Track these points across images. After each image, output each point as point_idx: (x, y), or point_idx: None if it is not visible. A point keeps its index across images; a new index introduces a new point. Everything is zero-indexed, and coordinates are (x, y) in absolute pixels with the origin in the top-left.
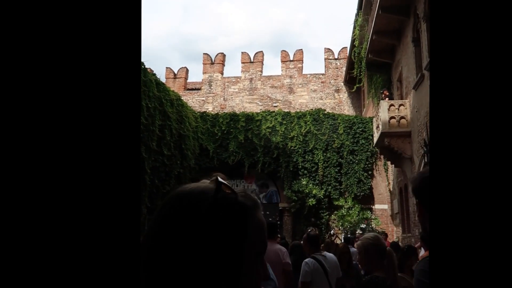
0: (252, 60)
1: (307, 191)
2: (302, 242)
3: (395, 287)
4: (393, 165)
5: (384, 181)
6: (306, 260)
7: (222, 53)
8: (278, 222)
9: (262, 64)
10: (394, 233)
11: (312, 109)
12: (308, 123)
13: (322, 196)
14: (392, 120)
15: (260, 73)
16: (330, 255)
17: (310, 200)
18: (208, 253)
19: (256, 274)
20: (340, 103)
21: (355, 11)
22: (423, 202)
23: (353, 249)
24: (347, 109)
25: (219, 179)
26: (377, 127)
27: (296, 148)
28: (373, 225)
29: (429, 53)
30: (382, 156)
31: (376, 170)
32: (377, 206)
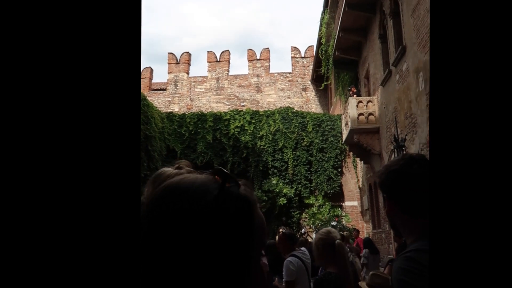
0: (218, 59)
1: (277, 190)
2: (276, 241)
3: (347, 281)
4: (362, 162)
5: (353, 178)
6: (290, 259)
7: (188, 52)
8: None
9: (229, 63)
10: (365, 229)
11: (280, 108)
12: (277, 121)
13: (292, 195)
14: (361, 117)
15: (226, 72)
16: (306, 250)
17: (281, 199)
18: (215, 252)
19: (261, 273)
20: (307, 102)
21: (321, 9)
22: (390, 196)
23: None
24: (315, 107)
25: (224, 170)
26: (346, 124)
27: (265, 147)
28: (344, 222)
29: (395, 49)
30: (351, 153)
31: (346, 167)
32: (347, 203)
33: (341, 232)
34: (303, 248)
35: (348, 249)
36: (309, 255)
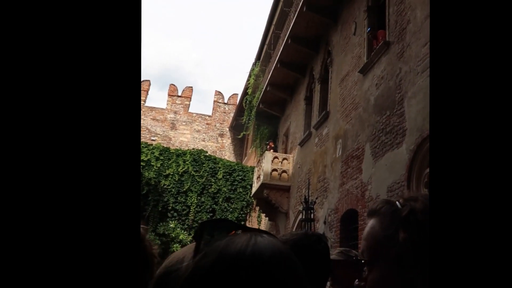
0: None
1: (173, 235)
2: None
3: None
4: (267, 218)
5: None
6: None
7: None
8: None
9: (147, 93)
10: None
11: (193, 149)
12: (187, 162)
13: (189, 242)
14: (274, 173)
15: (142, 102)
16: None
17: (175, 245)
18: None
19: None
20: (222, 148)
21: (253, 61)
22: None
23: None
24: (228, 155)
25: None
26: (258, 177)
27: (169, 187)
28: None
29: (319, 113)
30: (257, 208)
31: (249, 221)
32: None
33: None
34: None
35: None
36: None
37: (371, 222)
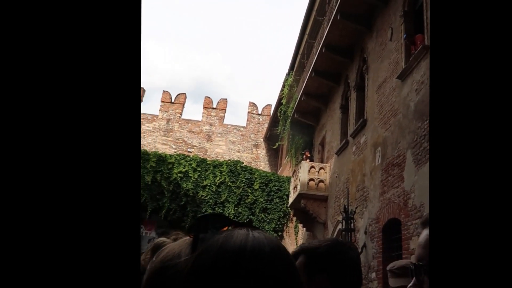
0: (173, 101)
1: None
2: None
3: None
4: (305, 229)
5: (293, 244)
6: None
7: (142, 87)
8: None
9: (183, 106)
10: None
11: (229, 160)
12: (223, 173)
13: None
14: (311, 182)
15: (179, 115)
16: None
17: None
18: None
19: None
20: (257, 159)
21: (287, 71)
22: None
23: None
24: (263, 166)
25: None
26: (295, 187)
27: (207, 198)
28: None
29: (356, 121)
30: (294, 218)
31: (286, 232)
32: None
33: None
34: None
35: None
36: None
37: (426, 231)
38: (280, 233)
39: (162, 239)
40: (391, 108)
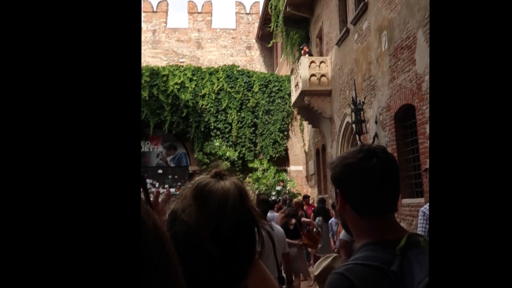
0: (155, 10)
1: (220, 153)
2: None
3: None
4: (310, 125)
5: (299, 142)
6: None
7: None
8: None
9: (167, 15)
10: (310, 194)
11: (225, 65)
12: (221, 80)
13: (236, 158)
14: (313, 78)
15: (164, 24)
16: (277, 227)
17: (224, 163)
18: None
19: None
20: (251, 61)
21: None
22: (344, 192)
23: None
24: (259, 67)
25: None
26: (296, 85)
27: (208, 106)
28: (289, 187)
29: (355, 6)
30: (298, 116)
31: (292, 131)
32: (292, 168)
33: (293, 198)
34: (272, 223)
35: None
36: (283, 233)
37: None
38: (286, 133)
39: (203, 178)
40: None
